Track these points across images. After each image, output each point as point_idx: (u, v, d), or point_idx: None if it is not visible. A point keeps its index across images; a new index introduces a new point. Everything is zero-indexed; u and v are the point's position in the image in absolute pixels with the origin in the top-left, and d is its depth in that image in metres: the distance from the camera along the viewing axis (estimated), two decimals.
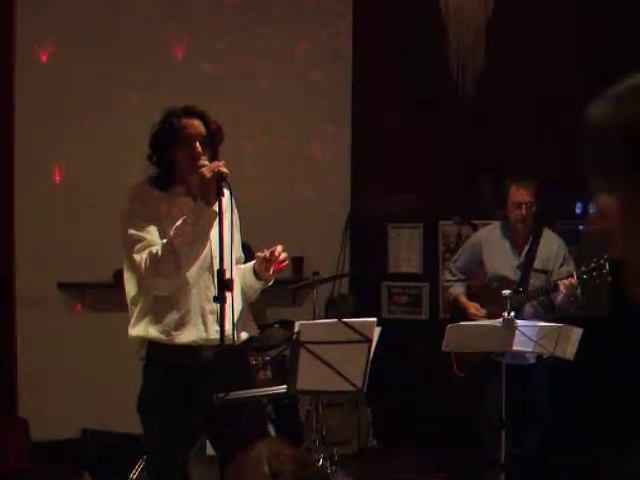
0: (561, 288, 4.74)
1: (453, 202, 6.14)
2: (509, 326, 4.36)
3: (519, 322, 4.43)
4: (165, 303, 3.37)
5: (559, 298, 4.86)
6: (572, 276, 4.70)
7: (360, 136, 6.79)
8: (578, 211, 6.55)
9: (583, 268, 4.71)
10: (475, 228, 5.76)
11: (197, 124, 3.41)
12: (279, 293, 5.32)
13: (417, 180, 6.53)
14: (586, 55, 6.23)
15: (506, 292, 4.60)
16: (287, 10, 6.64)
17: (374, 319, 3.56)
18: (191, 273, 3.37)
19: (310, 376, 3.44)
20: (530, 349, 4.52)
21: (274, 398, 4.66)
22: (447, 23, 5.59)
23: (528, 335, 4.44)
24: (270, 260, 3.45)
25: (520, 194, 5.01)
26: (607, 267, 4.65)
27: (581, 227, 6.51)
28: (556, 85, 6.29)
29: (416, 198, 6.53)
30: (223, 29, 6.46)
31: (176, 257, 3.26)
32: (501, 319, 4.38)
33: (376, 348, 3.73)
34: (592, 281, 4.69)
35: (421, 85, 6.40)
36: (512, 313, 4.38)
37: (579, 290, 4.82)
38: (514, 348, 4.46)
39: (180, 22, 6.31)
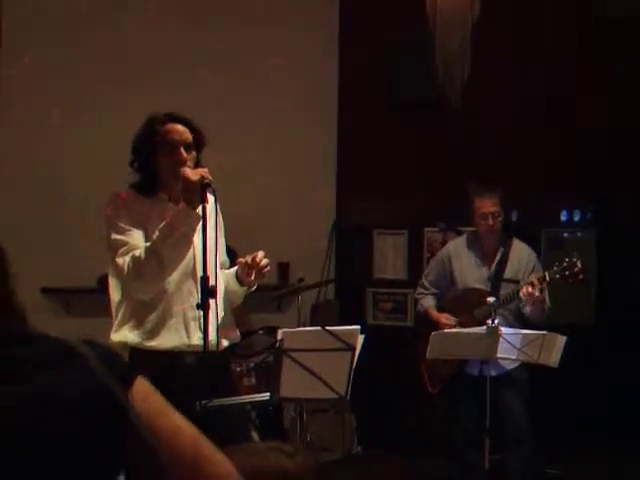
0: (521, 294, 4.71)
1: (438, 209, 6.15)
2: (493, 334, 4.36)
3: (503, 330, 4.43)
4: (147, 309, 3.36)
5: (527, 309, 4.86)
6: (532, 283, 4.67)
7: (346, 143, 6.79)
8: (563, 219, 6.56)
9: (555, 268, 4.70)
10: (460, 235, 5.75)
11: (181, 129, 3.39)
12: (264, 299, 5.30)
13: (402, 187, 6.53)
14: (576, 58, 6.28)
15: (491, 299, 4.60)
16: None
17: (357, 327, 3.55)
18: (174, 279, 3.36)
19: (293, 384, 3.43)
20: (514, 356, 4.52)
21: (258, 405, 4.64)
22: (434, 29, 5.59)
23: (512, 343, 4.45)
24: (252, 266, 3.44)
25: (485, 205, 4.98)
26: (579, 265, 4.63)
27: (565, 234, 6.53)
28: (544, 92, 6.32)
29: (401, 205, 6.53)
30: None
31: (159, 260, 3.24)
32: (485, 327, 4.38)
33: (361, 354, 3.72)
34: (564, 280, 4.68)
35: (407, 92, 6.39)
36: (496, 321, 4.38)
37: (547, 300, 4.82)
38: (498, 355, 4.46)
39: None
